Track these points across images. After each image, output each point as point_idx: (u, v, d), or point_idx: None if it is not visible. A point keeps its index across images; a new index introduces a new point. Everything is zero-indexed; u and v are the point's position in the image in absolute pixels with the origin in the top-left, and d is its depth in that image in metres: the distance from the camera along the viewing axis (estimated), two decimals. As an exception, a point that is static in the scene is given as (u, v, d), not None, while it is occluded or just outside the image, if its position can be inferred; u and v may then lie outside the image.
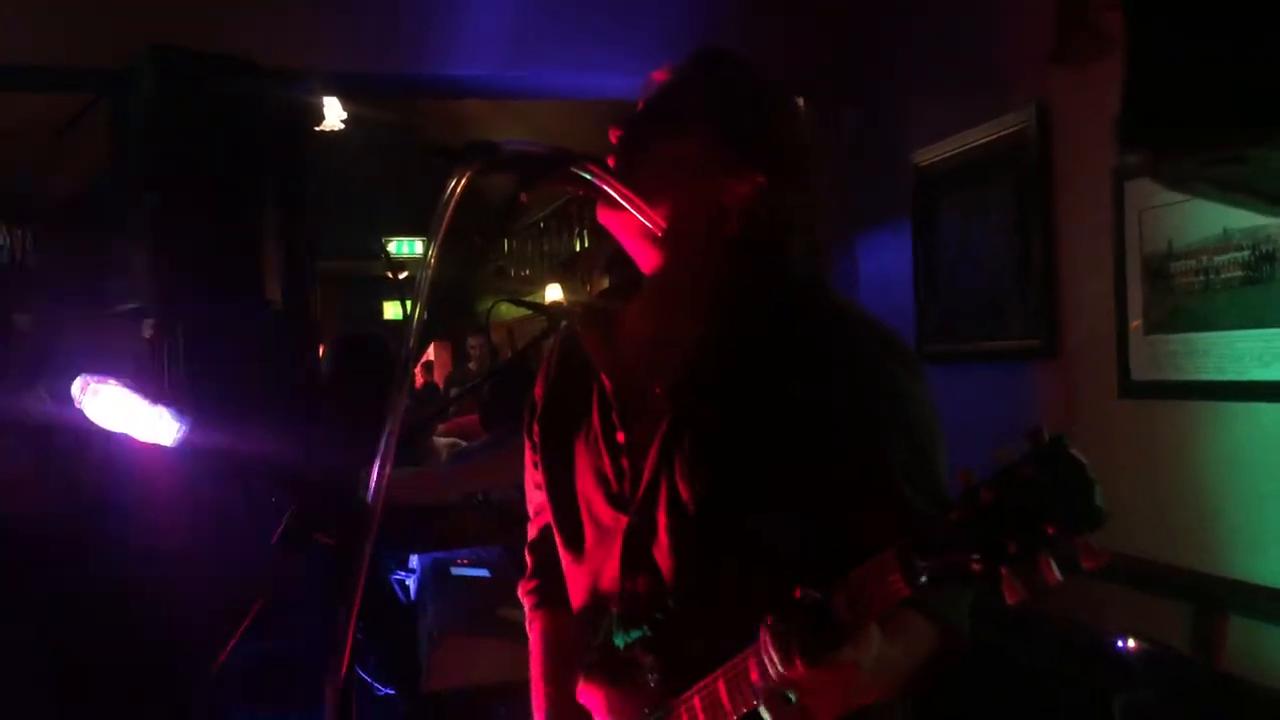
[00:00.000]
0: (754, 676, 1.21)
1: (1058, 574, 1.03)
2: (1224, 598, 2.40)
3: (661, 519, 1.42)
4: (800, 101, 1.58)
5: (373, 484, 1.30)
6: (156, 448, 2.81)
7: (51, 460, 2.92)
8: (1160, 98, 1.13)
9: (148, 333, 4.43)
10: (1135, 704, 2.45)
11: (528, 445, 1.68)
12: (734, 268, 1.48)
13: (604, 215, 1.52)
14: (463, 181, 1.36)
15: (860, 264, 4.07)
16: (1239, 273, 2.36)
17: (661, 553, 1.43)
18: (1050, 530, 1.02)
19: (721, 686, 1.28)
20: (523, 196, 1.44)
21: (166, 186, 3.22)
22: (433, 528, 3.67)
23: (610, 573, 1.48)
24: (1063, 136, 2.96)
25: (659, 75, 1.56)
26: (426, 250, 1.34)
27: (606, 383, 1.52)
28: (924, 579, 1.08)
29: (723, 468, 1.38)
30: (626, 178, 1.45)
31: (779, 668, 1.15)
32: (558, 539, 1.59)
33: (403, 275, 11.67)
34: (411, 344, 1.33)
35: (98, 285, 3.82)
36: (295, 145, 3.49)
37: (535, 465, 1.65)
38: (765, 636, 1.17)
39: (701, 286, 1.49)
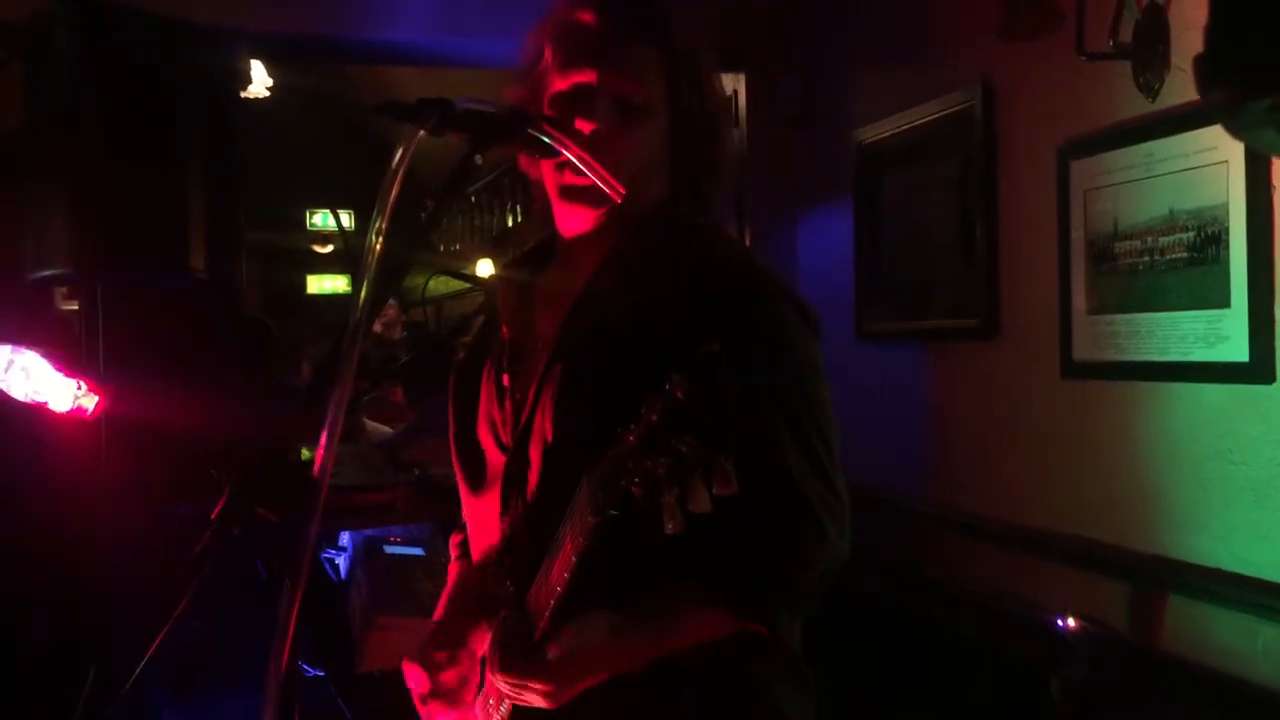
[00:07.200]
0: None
1: (707, 502, 1.01)
2: (1163, 577, 2.42)
3: (532, 456, 1.43)
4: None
5: (319, 458, 1.23)
6: (76, 419, 2.70)
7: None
8: (1243, 38, 1.11)
9: (62, 302, 4.26)
10: (1072, 682, 2.47)
11: (450, 404, 1.67)
12: (658, 222, 1.49)
13: (527, 165, 1.52)
14: (414, 141, 1.30)
15: (800, 242, 4.04)
16: (1184, 254, 2.36)
17: (530, 489, 1.44)
18: (686, 449, 0.99)
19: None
20: (477, 158, 1.38)
21: (84, 150, 3.06)
22: (365, 503, 3.58)
23: (495, 511, 1.50)
24: (1007, 115, 2.95)
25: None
26: (375, 218, 1.28)
27: (505, 331, 1.56)
28: (611, 510, 1.08)
29: (583, 403, 1.38)
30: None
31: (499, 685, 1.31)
32: (460, 483, 1.61)
33: (328, 248, 11.45)
34: (360, 316, 1.27)
35: (10, 252, 3.65)
36: (221, 109, 3.33)
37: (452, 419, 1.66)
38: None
39: (623, 240, 1.49)
